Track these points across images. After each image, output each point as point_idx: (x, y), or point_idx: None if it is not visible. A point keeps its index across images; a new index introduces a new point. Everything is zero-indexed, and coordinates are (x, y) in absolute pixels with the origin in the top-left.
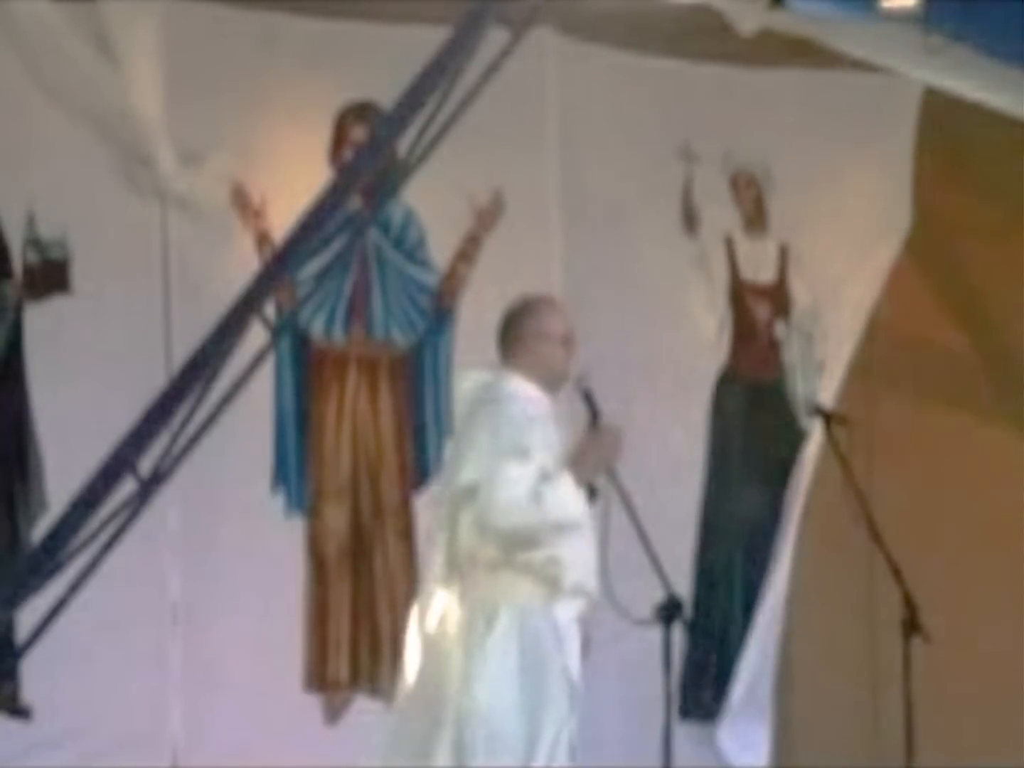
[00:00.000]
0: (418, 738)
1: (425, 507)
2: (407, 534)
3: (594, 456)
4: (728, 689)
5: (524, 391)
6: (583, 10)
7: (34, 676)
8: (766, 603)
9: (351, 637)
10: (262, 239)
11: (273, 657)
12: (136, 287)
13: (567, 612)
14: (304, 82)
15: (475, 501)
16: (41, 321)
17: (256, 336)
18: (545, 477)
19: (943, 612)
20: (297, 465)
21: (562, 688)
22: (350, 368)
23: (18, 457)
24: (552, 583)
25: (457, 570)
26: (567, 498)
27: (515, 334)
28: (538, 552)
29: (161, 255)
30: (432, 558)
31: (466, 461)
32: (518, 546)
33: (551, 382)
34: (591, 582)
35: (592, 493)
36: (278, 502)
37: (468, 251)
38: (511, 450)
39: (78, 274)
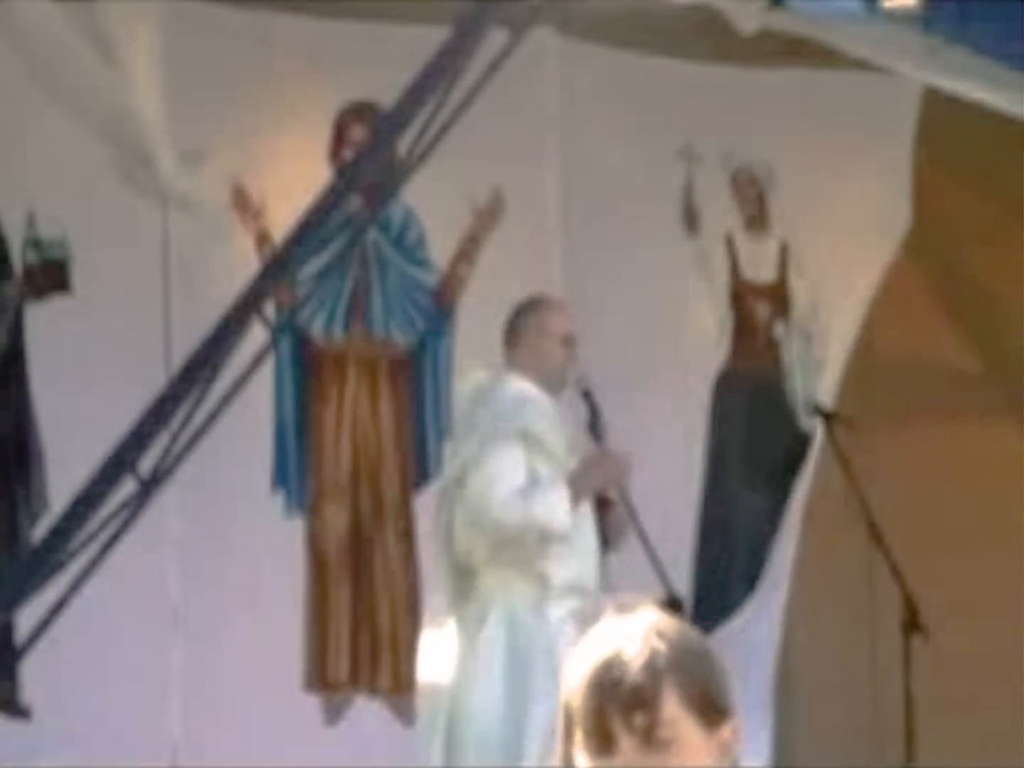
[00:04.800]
0: (422, 741)
1: (425, 507)
2: (407, 534)
3: (595, 475)
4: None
5: (525, 392)
6: (583, 10)
7: (34, 676)
8: (762, 601)
9: (351, 637)
10: (262, 239)
11: (273, 657)
12: (136, 287)
13: (559, 610)
14: (304, 82)
15: (465, 498)
16: (41, 321)
17: (256, 336)
18: (536, 481)
19: (943, 612)
20: (297, 465)
21: (553, 687)
22: (350, 368)
23: (19, 456)
24: (542, 580)
25: (455, 570)
26: (556, 508)
27: (516, 329)
28: (528, 549)
29: (161, 255)
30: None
31: (453, 459)
32: (505, 543)
33: (551, 382)
34: (587, 579)
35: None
36: (278, 502)
37: (468, 251)
38: (501, 445)
39: (78, 274)
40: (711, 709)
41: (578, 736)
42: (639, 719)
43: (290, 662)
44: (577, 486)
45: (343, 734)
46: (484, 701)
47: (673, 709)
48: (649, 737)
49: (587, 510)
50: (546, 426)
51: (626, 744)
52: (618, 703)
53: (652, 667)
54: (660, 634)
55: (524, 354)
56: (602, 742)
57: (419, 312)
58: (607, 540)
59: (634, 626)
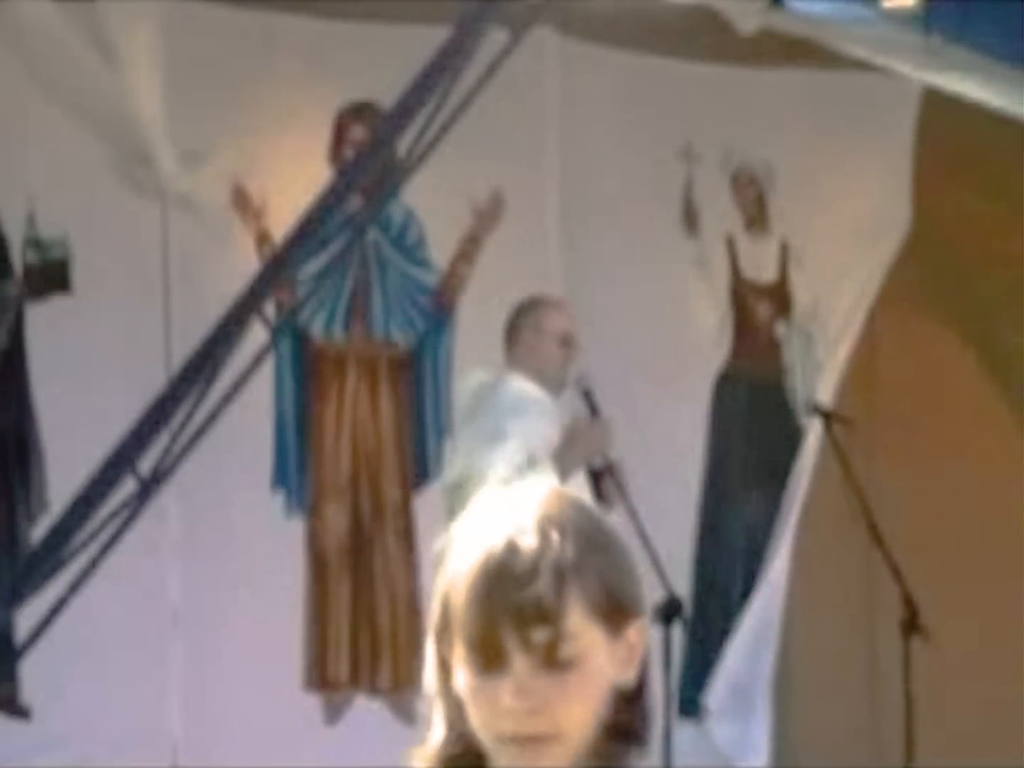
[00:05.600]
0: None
1: (425, 507)
2: (407, 534)
3: (580, 446)
4: (714, 686)
5: (524, 390)
6: (583, 10)
7: (34, 676)
8: (759, 602)
9: (351, 637)
10: (262, 239)
11: (273, 657)
12: (136, 287)
13: None
14: (304, 82)
15: (463, 497)
16: (41, 321)
17: (256, 336)
18: (532, 463)
19: (943, 612)
20: (297, 465)
21: None
22: (350, 367)
23: (18, 456)
24: None
25: None
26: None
27: (515, 329)
28: None
29: (161, 255)
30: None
31: (451, 458)
32: None
33: (550, 381)
34: None
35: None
36: (278, 502)
37: (468, 251)
38: (493, 437)
39: (78, 274)
40: (617, 612)
41: (458, 647)
42: (539, 635)
43: (290, 662)
44: (563, 460)
45: (343, 734)
46: None
47: (578, 621)
48: (549, 655)
49: (582, 481)
50: (546, 425)
51: (520, 663)
52: (513, 615)
53: (555, 572)
54: (559, 525)
55: (523, 353)
56: (490, 659)
57: (419, 312)
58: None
59: (524, 511)
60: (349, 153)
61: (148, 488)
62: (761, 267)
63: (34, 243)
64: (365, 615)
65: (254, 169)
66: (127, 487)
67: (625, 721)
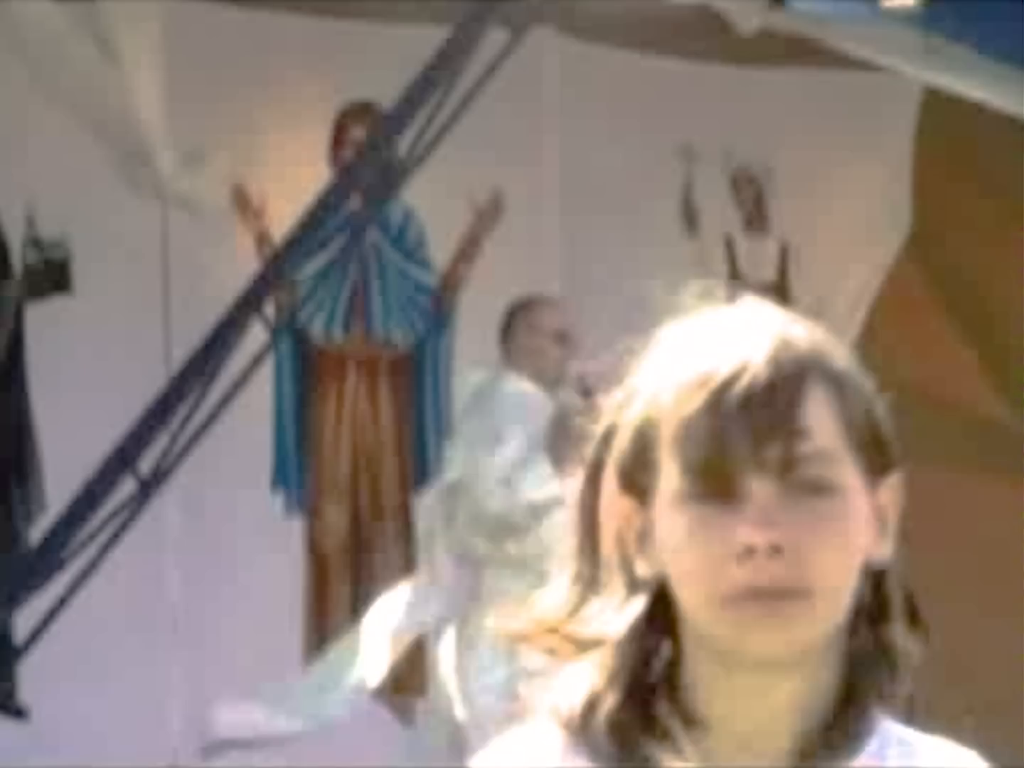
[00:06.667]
0: (425, 743)
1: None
2: (407, 534)
3: (570, 440)
4: None
5: (521, 389)
6: (583, 10)
7: (33, 676)
8: None
9: None
10: (262, 239)
11: (273, 657)
12: (136, 287)
13: None
14: (304, 82)
15: (463, 497)
16: (41, 321)
17: (256, 336)
18: (522, 463)
19: (943, 611)
20: (297, 465)
21: None
22: (350, 368)
23: (17, 457)
24: (542, 577)
25: (451, 567)
26: (541, 480)
27: (509, 328)
28: (527, 544)
29: (161, 255)
30: (425, 557)
31: (451, 459)
32: (503, 534)
33: (545, 379)
34: None
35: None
36: (278, 502)
37: (468, 251)
38: (491, 439)
39: (78, 274)
40: (878, 452)
41: (671, 478)
42: (779, 447)
43: (290, 662)
44: (554, 450)
45: (343, 734)
46: (486, 703)
47: (832, 438)
48: (797, 475)
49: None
50: (542, 424)
51: (759, 486)
52: (749, 423)
53: (799, 372)
54: (796, 336)
55: (518, 352)
56: (721, 484)
57: (419, 312)
58: None
59: (756, 318)
60: (349, 153)
61: (148, 488)
62: (760, 267)
63: (34, 243)
64: (365, 615)
65: (254, 169)
66: (127, 487)
67: (884, 608)
